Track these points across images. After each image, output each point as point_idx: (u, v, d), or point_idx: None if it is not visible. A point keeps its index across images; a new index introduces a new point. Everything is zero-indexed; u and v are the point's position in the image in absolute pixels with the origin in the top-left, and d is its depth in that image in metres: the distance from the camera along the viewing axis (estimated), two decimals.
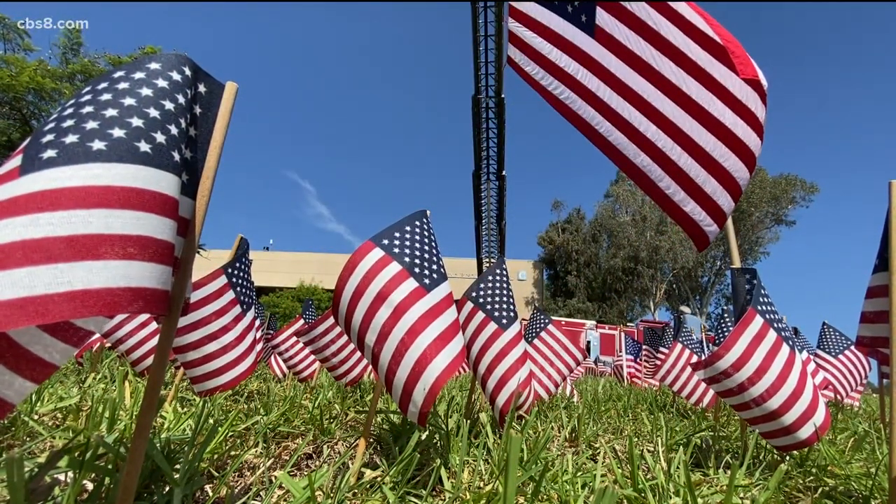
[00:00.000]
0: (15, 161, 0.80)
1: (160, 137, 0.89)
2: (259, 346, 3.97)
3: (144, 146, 0.86)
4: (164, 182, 0.87)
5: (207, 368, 2.36)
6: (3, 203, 0.74)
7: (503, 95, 23.66)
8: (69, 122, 0.84)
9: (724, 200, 2.34)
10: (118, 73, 0.94)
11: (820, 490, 1.83)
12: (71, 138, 0.81)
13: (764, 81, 2.09)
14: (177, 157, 0.92)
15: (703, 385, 4.22)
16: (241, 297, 2.57)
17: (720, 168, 2.29)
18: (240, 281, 2.59)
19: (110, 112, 0.87)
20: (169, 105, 0.94)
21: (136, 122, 0.87)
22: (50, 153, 0.79)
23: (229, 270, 2.54)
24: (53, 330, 0.88)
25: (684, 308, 17.05)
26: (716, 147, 2.28)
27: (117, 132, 0.84)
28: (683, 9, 2.20)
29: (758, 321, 1.97)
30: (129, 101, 0.89)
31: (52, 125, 0.84)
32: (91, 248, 0.74)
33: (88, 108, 0.86)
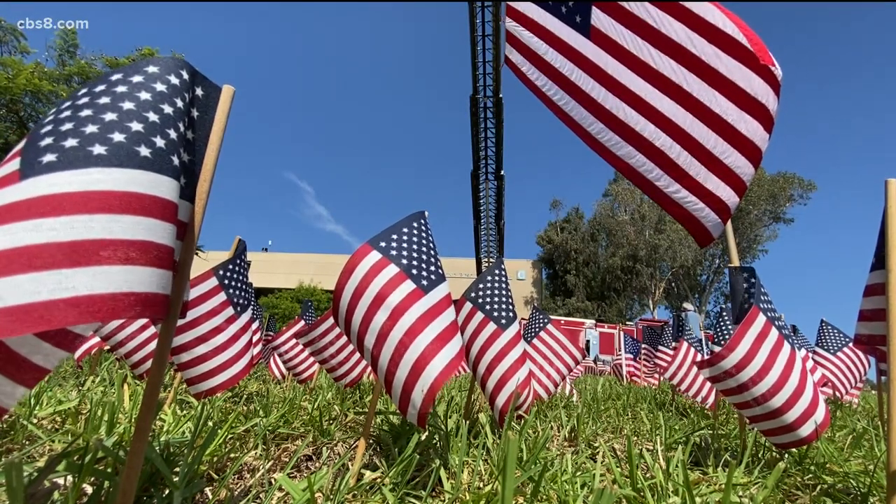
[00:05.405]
0: (13, 164, 0.79)
1: (160, 142, 0.89)
2: (257, 348, 3.98)
3: (144, 151, 0.86)
4: (164, 186, 0.87)
5: (201, 370, 2.36)
6: (4, 208, 0.73)
7: (501, 95, 23.65)
8: (68, 126, 0.83)
9: (728, 196, 2.31)
10: (115, 76, 0.94)
11: (818, 488, 1.84)
12: (70, 142, 0.81)
13: (778, 73, 2.06)
14: (176, 161, 0.92)
15: (710, 384, 4.23)
16: (235, 299, 2.56)
17: (721, 164, 2.27)
18: (233, 283, 2.58)
19: (109, 116, 0.86)
20: (168, 109, 0.94)
21: (136, 126, 0.87)
22: (50, 157, 0.79)
23: (220, 272, 2.53)
24: (46, 335, 0.88)
25: (687, 305, 17.07)
26: (717, 144, 2.25)
27: (117, 136, 0.84)
28: (689, 2, 2.17)
29: (761, 319, 1.97)
30: (128, 105, 0.89)
31: (49, 128, 0.83)
32: (94, 253, 0.74)
33: (87, 112, 0.86)
